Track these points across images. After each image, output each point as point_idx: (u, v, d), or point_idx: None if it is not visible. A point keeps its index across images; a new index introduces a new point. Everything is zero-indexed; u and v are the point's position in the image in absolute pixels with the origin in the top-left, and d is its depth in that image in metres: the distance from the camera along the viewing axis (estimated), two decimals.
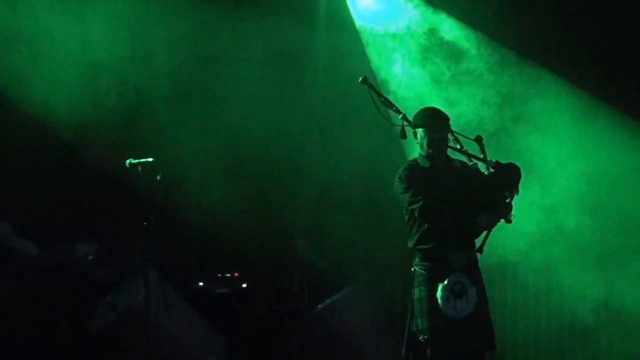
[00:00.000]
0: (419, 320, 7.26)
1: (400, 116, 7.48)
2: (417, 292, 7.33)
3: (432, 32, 9.88)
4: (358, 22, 10.01)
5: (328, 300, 9.21)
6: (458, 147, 7.37)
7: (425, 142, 7.36)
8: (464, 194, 7.27)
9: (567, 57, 9.65)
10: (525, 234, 9.57)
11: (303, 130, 10.21)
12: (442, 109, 7.50)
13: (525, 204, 9.39)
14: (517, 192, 7.20)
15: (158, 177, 8.42)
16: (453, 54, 9.87)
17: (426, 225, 7.28)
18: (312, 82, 10.29)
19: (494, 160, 7.26)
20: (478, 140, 7.34)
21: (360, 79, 7.60)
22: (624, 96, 9.60)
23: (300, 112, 10.19)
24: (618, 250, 9.65)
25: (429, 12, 9.90)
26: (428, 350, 7.19)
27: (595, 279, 9.62)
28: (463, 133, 7.46)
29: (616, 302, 9.60)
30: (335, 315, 9.12)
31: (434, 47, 9.88)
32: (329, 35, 10.09)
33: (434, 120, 7.35)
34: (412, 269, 7.43)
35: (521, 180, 7.20)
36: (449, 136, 7.38)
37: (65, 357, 9.08)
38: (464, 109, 9.72)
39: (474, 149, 7.36)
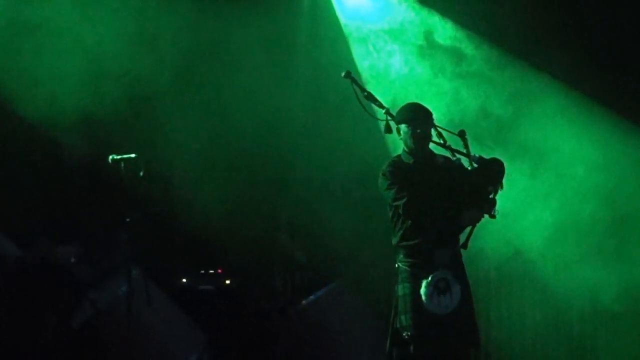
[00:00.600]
0: (402, 317, 7.23)
1: (384, 111, 7.46)
2: (401, 289, 7.30)
3: (428, 32, 9.86)
4: (345, 21, 9.99)
5: (312, 297, 9.19)
6: (441, 142, 7.35)
7: (408, 138, 7.34)
8: (448, 189, 7.25)
9: (568, 56, 9.64)
10: (542, 224, 9.55)
11: (288, 128, 10.19)
12: (441, 104, 7.47)
13: (540, 194, 9.43)
14: (502, 187, 7.18)
15: (141, 173, 8.38)
16: (449, 53, 9.85)
17: (410, 222, 7.25)
18: (300, 78, 10.28)
19: (477, 155, 7.22)
20: (461, 134, 7.32)
21: (343, 73, 7.57)
22: (623, 96, 9.61)
23: (287, 109, 10.17)
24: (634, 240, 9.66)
25: (423, 12, 9.87)
26: (411, 347, 7.17)
27: (613, 268, 9.60)
28: (461, 128, 7.44)
29: (635, 291, 9.57)
30: (319, 312, 9.11)
31: (430, 46, 9.87)
32: (317, 31, 10.09)
33: (416, 116, 7.32)
34: (396, 265, 7.41)
35: (505, 176, 7.18)
36: (433, 131, 7.36)
37: (49, 353, 9.03)
38: (466, 105, 9.69)
39: (458, 145, 7.35)
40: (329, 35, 10.02)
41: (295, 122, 10.23)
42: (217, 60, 9.91)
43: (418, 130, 7.30)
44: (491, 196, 7.12)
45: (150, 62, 9.80)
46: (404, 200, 7.18)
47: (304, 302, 9.23)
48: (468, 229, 7.24)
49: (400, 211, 7.21)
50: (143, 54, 9.74)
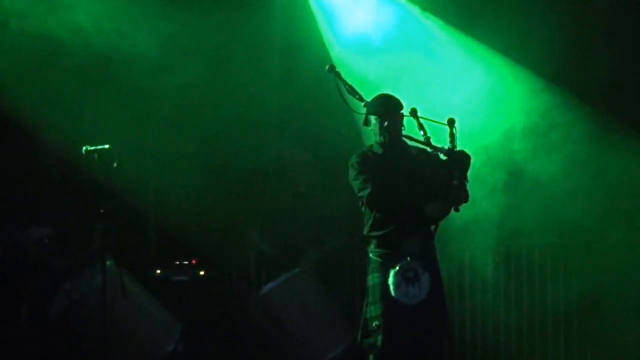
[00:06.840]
0: (372, 307, 7.29)
1: (363, 104, 7.50)
2: (371, 279, 7.36)
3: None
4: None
5: (270, 284, 9.18)
6: (422, 133, 7.31)
7: (376, 130, 7.39)
8: (416, 181, 7.28)
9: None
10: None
11: (258, 121, 10.23)
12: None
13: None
14: (467, 180, 7.18)
15: (115, 164, 8.39)
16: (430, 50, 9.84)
17: (377, 213, 7.30)
18: (275, 71, 10.31)
19: (446, 147, 7.21)
20: (450, 123, 7.21)
21: (327, 67, 7.64)
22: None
23: (257, 103, 10.20)
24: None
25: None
26: (379, 337, 7.22)
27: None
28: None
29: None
30: (278, 299, 9.07)
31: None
32: (287, 28, 10.11)
33: (384, 109, 7.36)
34: (369, 255, 7.45)
35: (470, 168, 7.19)
36: (417, 122, 7.34)
37: (24, 345, 9.06)
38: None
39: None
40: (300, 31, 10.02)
41: (263, 118, 10.27)
42: (192, 54, 9.93)
43: (385, 124, 7.34)
44: (456, 185, 7.08)
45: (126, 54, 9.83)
46: (367, 191, 7.22)
47: (263, 289, 9.23)
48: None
49: (364, 202, 7.27)
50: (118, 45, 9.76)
